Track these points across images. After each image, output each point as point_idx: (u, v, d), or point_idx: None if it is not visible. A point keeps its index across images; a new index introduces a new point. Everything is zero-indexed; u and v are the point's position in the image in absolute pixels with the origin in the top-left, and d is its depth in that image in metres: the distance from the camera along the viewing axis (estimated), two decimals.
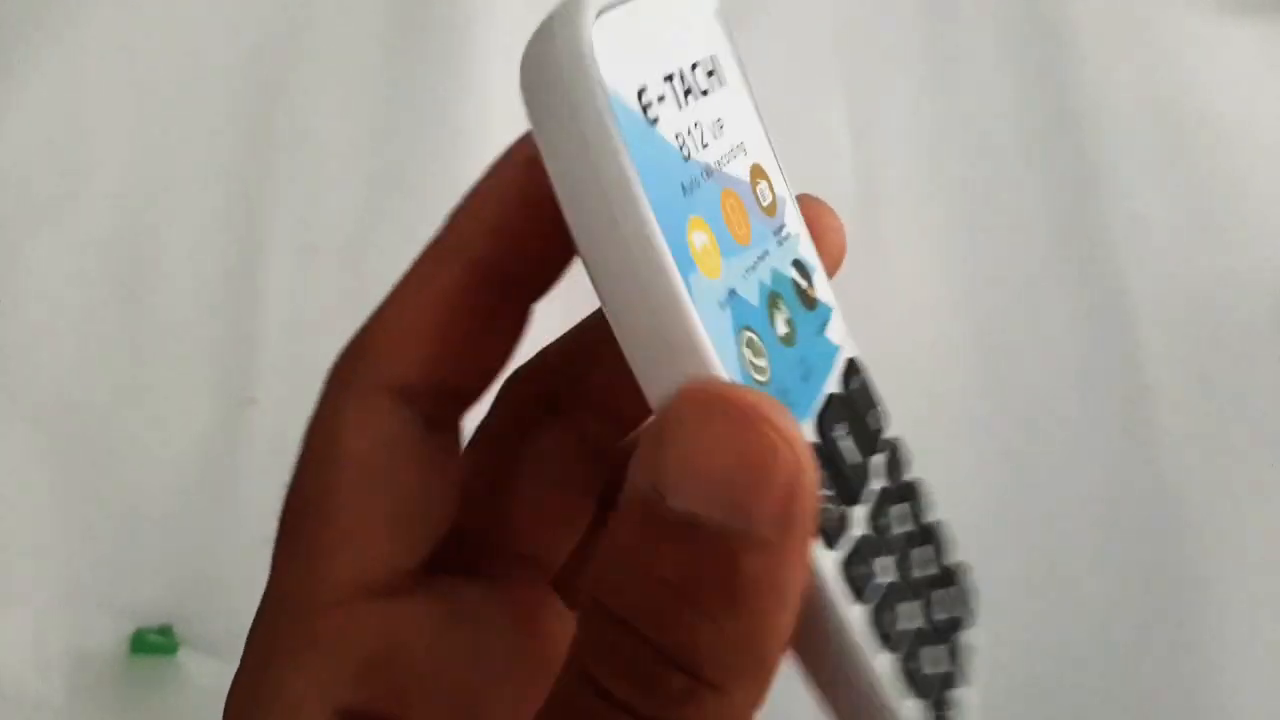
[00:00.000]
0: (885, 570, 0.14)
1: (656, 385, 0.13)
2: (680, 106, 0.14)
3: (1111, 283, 0.38)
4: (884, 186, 0.40)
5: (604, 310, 0.13)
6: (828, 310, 0.16)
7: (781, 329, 0.15)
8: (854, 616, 0.13)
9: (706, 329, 0.13)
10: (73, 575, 0.33)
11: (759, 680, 0.13)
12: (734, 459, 0.13)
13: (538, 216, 0.15)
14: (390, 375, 0.16)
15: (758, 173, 0.16)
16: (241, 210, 0.38)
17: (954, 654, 0.15)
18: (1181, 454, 0.35)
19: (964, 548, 0.18)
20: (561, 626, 0.19)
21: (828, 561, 0.13)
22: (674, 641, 0.13)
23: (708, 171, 0.14)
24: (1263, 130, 0.41)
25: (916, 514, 0.16)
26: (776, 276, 0.15)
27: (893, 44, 0.42)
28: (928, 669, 0.14)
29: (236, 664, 0.31)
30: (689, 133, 0.14)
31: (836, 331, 0.16)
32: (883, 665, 0.14)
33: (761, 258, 0.15)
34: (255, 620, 0.17)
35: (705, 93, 0.15)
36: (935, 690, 0.14)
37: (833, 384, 0.15)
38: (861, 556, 0.14)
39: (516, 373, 0.20)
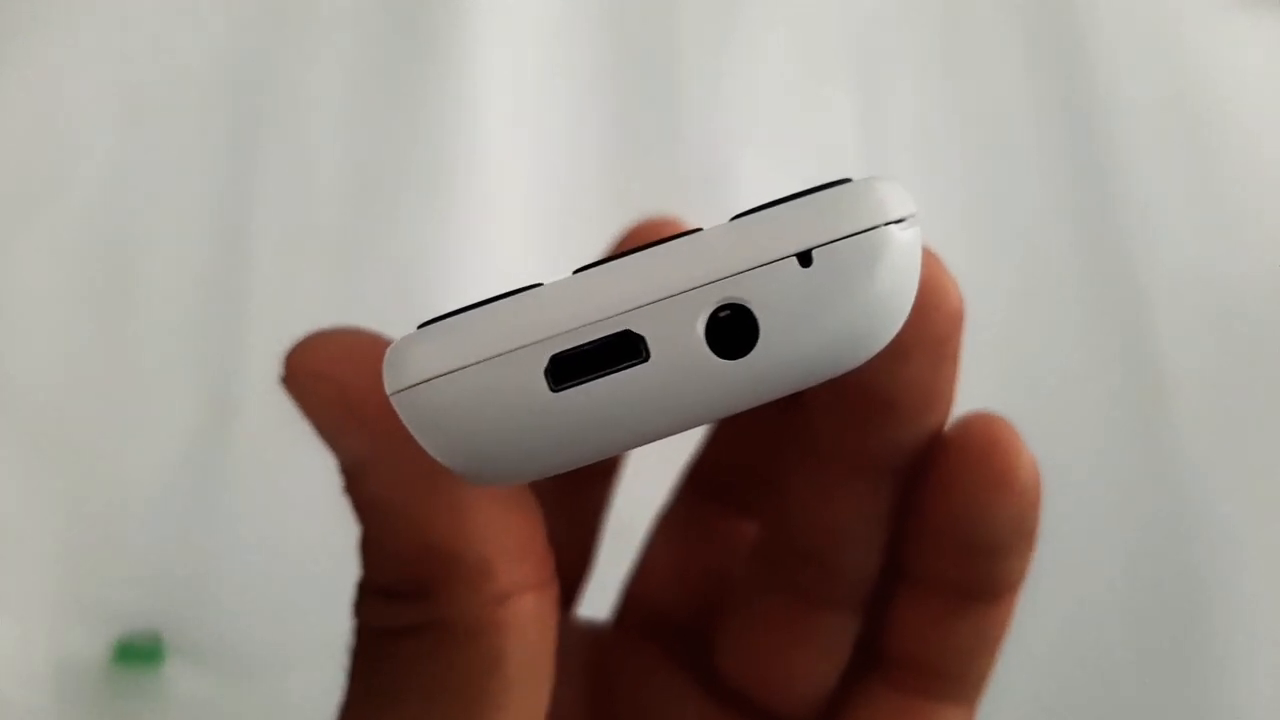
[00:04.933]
0: None
1: None
2: None
3: (1127, 278, 0.38)
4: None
5: None
6: None
7: None
8: None
9: None
10: (57, 582, 0.32)
11: None
12: None
13: None
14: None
15: None
16: (227, 211, 0.38)
17: None
18: (1198, 446, 0.35)
19: None
20: None
21: None
22: None
23: None
24: None
25: None
26: None
27: (903, 37, 0.42)
28: None
29: (225, 674, 0.30)
30: None
31: None
32: None
33: None
34: None
35: None
36: None
37: None
38: None
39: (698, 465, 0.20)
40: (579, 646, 0.21)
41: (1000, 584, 0.17)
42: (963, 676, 0.18)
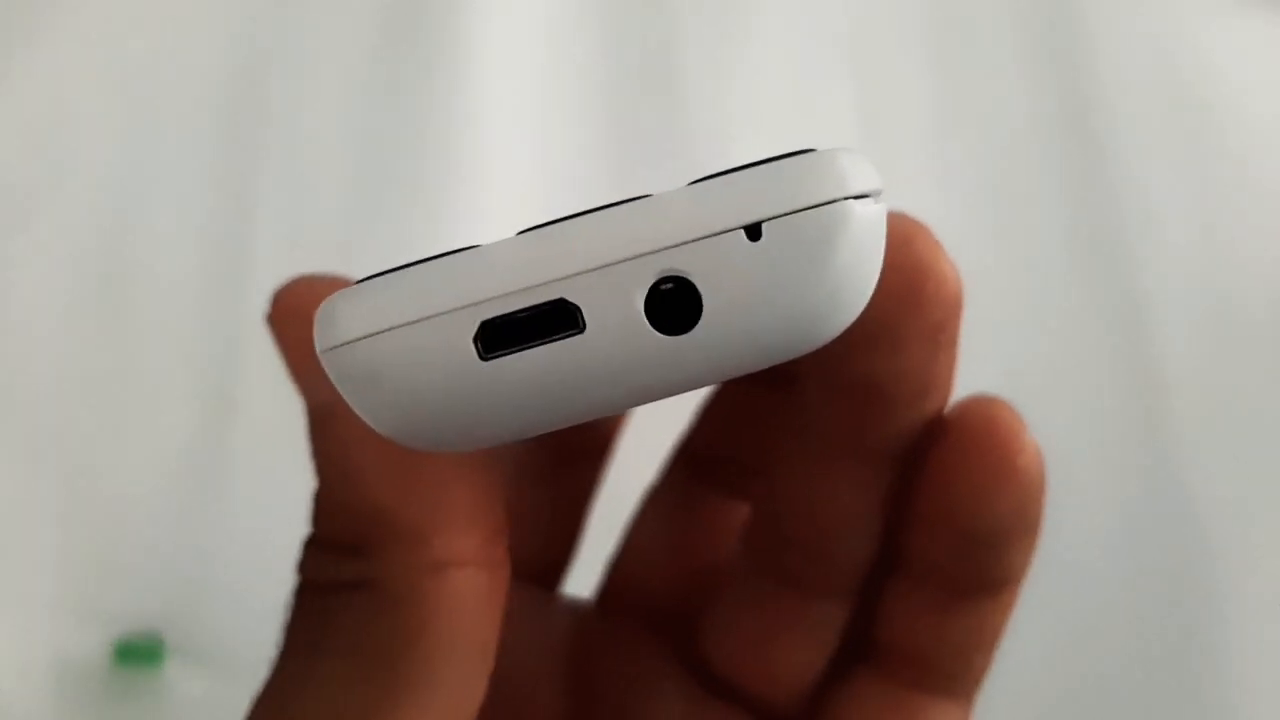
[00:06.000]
0: None
1: None
2: None
3: (1126, 278, 0.38)
4: (892, 178, 0.39)
5: None
6: None
7: None
8: None
9: None
10: (57, 582, 0.32)
11: None
12: None
13: None
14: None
15: None
16: (228, 210, 0.38)
17: None
18: (1198, 451, 0.35)
19: None
20: None
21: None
22: None
23: None
24: None
25: None
26: None
27: (902, 31, 0.42)
28: None
29: (226, 674, 0.30)
30: None
31: None
32: None
33: None
34: None
35: None
36: None
37: None
38: None
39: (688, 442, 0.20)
40: (559, 625, 0.21)
41: (1000, 577, 0.16)
42: (959, 671, 0.17)
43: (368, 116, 0.39)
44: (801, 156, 0.12)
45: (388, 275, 0.12)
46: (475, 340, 0.12)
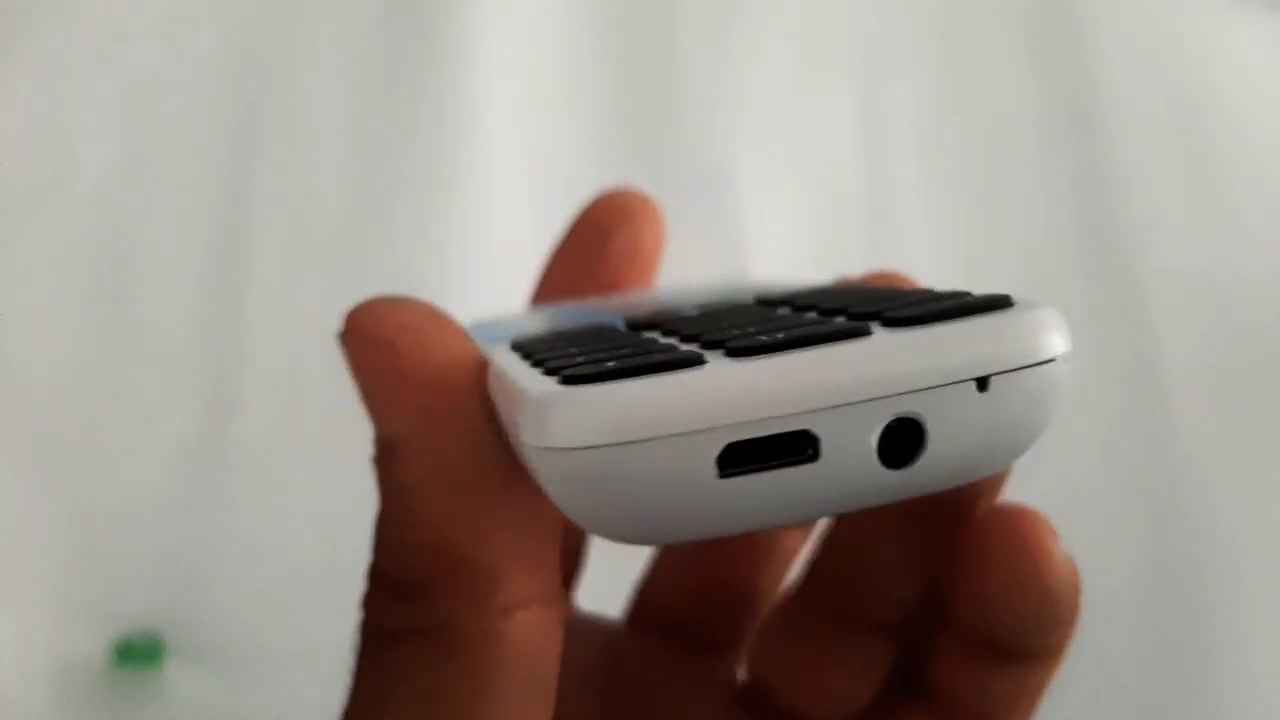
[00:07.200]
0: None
1: None
2: None
3: (1127, 281, 0.38)
4: (893, 180, 0.39)
5: None
6: None
7: None
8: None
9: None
10: (57, 582, 0.32)
11: None
12: None
13: None
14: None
15: None
16: (227, 210, 0.38)
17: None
18: (1198, 454, 0.35)
19: None
20: None
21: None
22: None
23: None
24: None
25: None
26: None
27: (903, 36, 0.42)
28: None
29: (226, 674, 0.30)
30: None
31: None
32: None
33: None
34: None
35: None
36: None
37: None
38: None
39: None
40: (592, 643, 0.20)
41: (1040, 653, 0.17)
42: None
43: (367, 117, 0.39)
44: (1021, 312, 0.13)
45: (613, 382, 0.12)
46: (717, 460, 0.12)
